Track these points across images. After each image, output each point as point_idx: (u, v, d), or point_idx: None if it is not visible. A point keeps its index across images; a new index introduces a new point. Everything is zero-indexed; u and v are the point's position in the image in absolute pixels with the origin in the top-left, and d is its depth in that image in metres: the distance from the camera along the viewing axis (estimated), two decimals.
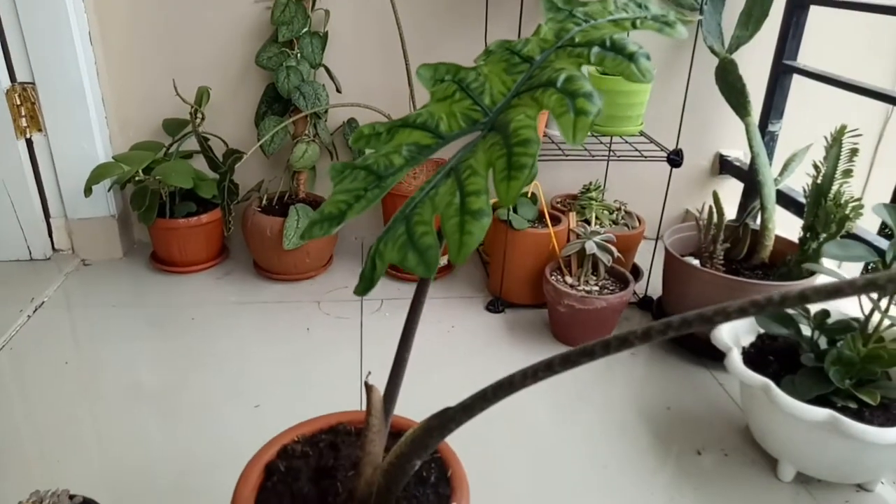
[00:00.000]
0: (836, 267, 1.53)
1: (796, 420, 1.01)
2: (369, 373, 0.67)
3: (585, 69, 0.53)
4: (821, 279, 1.40)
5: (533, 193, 1.63)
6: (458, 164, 0.52)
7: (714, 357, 1.40)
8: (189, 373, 1.36)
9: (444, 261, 1.79)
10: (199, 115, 1.69)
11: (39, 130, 1.67)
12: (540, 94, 0.52)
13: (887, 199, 2.10)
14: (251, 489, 0.71)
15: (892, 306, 1.06)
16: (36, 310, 1.56)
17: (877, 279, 0.43)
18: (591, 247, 1.47)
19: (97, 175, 1.57)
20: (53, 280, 1.69)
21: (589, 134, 1.69)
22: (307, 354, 1.44)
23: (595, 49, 0.53)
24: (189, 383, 1.33)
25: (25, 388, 1.31)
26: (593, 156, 1.57)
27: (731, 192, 2.03)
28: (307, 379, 1.36)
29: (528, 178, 0.47)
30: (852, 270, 2.04)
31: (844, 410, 1.03)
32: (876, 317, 1.07)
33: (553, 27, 0.59)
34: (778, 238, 1.51)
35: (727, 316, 0.47)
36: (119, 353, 1.42)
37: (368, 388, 0.66)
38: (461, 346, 1.50)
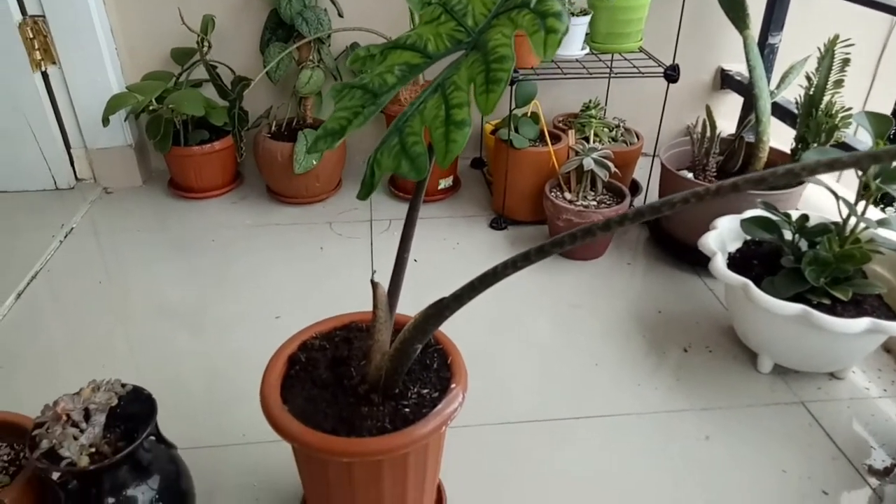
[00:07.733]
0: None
1: (772, 315, 1.10)
2: (374, 271, 0.76)
3: None
4: (809, 187, 1.45)
5: (534, 113, 1.68)
6: (444, 81, 0.59)
7: (705, 264, 1.47)
8: (212, 290, 1.47)
9: (448, 182, 1.85)
10: (206, 44, 1.73)
11: (54, 63, 1.72)
12: (515, 15, 0.58)
13: (888, 111, 2.11)
14: (277, 376, 0.82)
15: (867, 210, 1.12)
16: (66, 235, 1.67)
17: (837, 159, 0.49)
18: (588, 163, 1.53)
19: (113, 105, 1.64)
20: (79, 208, 1.78)
21: (589, 51, 1.70)
22: (321, 270, 1.54)
23: None
24: (212, 299, 1.44)
25: (65, 305, 1.43)
26: (592, 74, 1.60)
27: (732, 106, 2.05)
28: (322, 292, 1.46)
29: (503, 90, 0.54)
30: (850, 182, 2.07)
31: (820, 307, 1.12)
32: (853, 221, 1.14)
33: None
34: (772, 150, 1.56)
35: (687, 201, 0.54)
36: (146, 273, 1.53)
37: (374, 285, 0.75)
38: (465, 261, 1.59)
